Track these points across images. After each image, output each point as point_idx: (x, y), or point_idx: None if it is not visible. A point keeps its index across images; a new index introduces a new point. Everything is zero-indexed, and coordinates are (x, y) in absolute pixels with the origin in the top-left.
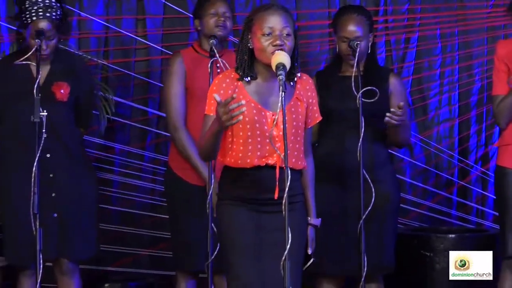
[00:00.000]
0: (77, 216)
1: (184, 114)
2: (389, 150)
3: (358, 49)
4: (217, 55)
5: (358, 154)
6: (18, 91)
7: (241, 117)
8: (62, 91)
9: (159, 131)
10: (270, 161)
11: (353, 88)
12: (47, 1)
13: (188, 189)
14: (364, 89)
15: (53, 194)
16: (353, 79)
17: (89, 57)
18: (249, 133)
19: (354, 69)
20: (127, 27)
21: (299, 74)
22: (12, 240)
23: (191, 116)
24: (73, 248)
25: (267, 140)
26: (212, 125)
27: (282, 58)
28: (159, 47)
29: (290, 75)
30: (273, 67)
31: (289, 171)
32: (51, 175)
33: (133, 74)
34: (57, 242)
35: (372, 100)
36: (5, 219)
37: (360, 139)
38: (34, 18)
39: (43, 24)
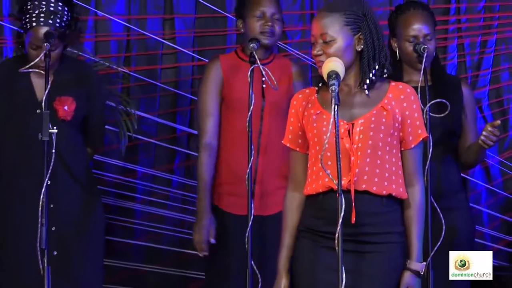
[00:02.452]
0: (81, 254)
1: (216, 128)
2: (462, 174)
3: (425, 53)
4: (258, 62)
5: (424, 177)
6: (15, 104)
7: None
8: (65, 107)
9: (189, 152)
10: (343, 182)
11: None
12: (52, 5)
13: (223, 219)
14: (433, 101)
15: (53, 228)
16: (419, 90)
17: (107, 64)
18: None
19: (421, 78)
20: (153, 28)
21: (379, 79)
22: (10, 282)
23: (225, 130)
24: None
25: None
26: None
27: (333, 65)
28: (190, 52)
29: (366, 79)
30: (324, 77)
31: (343, 198)
32: (51, 205)
33: (159, 84)
34: (58, 283)
35: (443, 115)
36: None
37: (428, 160)
38: (34, 24)
39: (43, 32)
